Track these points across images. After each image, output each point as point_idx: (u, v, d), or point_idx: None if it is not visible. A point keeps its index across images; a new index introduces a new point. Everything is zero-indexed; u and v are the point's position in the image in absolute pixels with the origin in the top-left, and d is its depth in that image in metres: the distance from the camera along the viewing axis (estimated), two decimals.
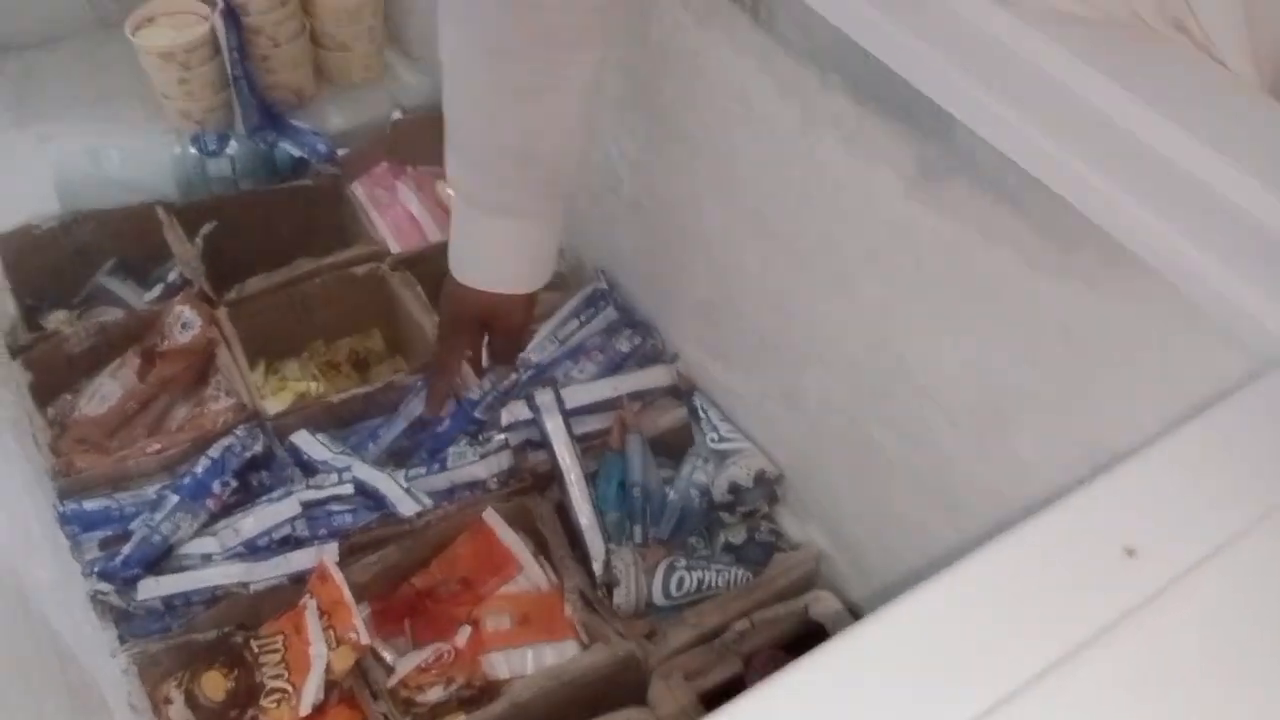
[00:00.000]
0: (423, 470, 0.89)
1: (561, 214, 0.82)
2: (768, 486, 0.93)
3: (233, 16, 1.10)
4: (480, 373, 0.95)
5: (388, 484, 0.85)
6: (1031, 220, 0.58)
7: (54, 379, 0.95)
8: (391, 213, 1.18)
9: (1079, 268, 0.57)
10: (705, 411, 0.97)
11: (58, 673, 0.68)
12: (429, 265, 1.10)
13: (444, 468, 0.89)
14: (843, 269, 0.75)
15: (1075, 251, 0.57)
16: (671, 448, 0.98)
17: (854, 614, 0.88)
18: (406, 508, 0.84)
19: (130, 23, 1.10)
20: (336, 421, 0.97)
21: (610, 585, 0.86)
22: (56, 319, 1.03)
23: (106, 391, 0.94)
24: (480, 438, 0.92)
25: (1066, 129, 0.54)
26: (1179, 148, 0.53)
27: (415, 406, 0.96)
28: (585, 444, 0.94)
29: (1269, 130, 0.53)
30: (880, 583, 0.86)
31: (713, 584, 0.89)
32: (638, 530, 0.91)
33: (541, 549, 0.90)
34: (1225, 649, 0.37)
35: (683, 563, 0.89)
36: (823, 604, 0.88)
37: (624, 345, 1.02)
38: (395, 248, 1.12)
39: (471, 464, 0.89)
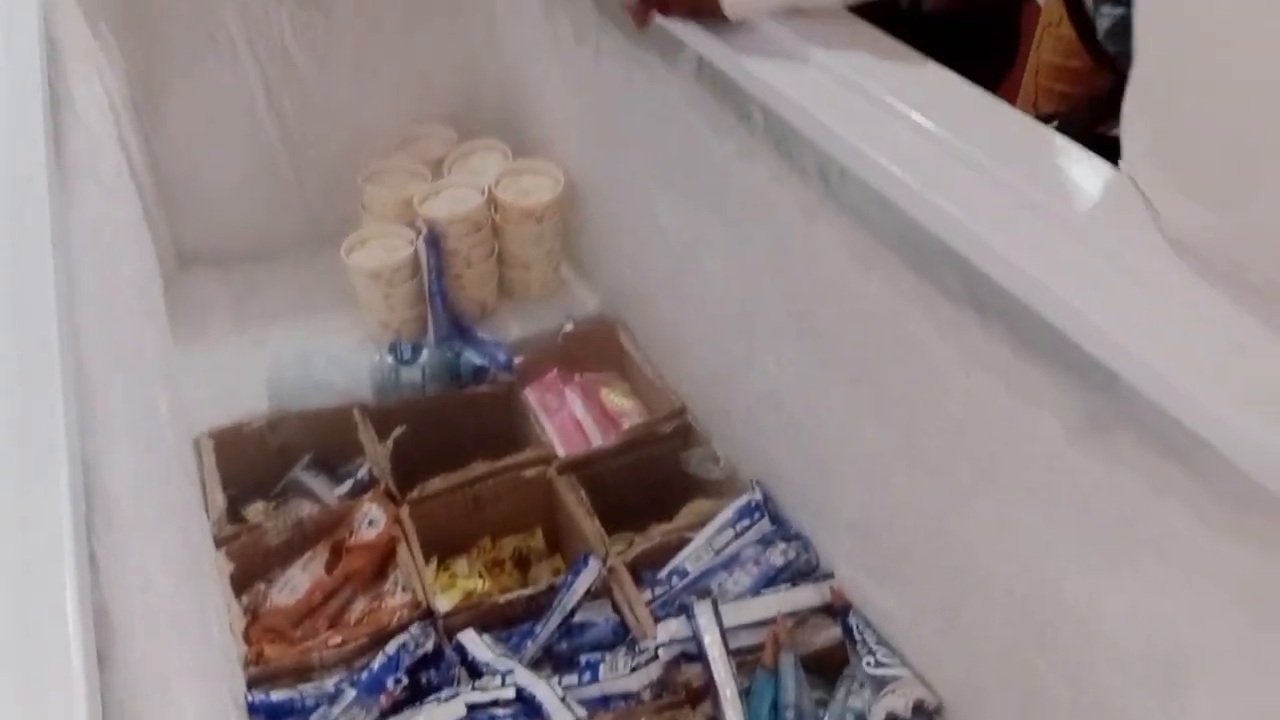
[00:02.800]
0: (575, 680, 0.91)
1: None
2: (927, 718, 0.91)
3: (434, 242, 1.23)
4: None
5: (546, 692, 0.88)
6: (1203, 478, 0.59)
7: (251, 568, 1.04)
8: (559, 417, 1.26)
9: (1254, 529, 0.57)
10: (861, 633, 0.97)
11: None
12: (592, 469, 1.17)
13: (596, 678, 0.91)
14: (1001, 503, 0.76)
15: (1250, 512, 0.57)
16: (825, 667, 0.98)
17: None
18: (561, 717, 0.86)
19: (346, 245, 1.24)
20: (501, 620, 1.01)
21: None
22: (255, 510, 1.13)
23: (297, 583, 1.01)
24: (635, 648, 0.94)
25: (1234, 390, 0.56)
26: None
27: (568, 602, 0.99)
28: (738, 659, 0.95)
29: None
30: None
31: None
32: None
33: None
34: None
35: None
36: None
37: (778, 558, 1.04)
38: (561, 451, 1.18)
39: (623, 676, 0.91)
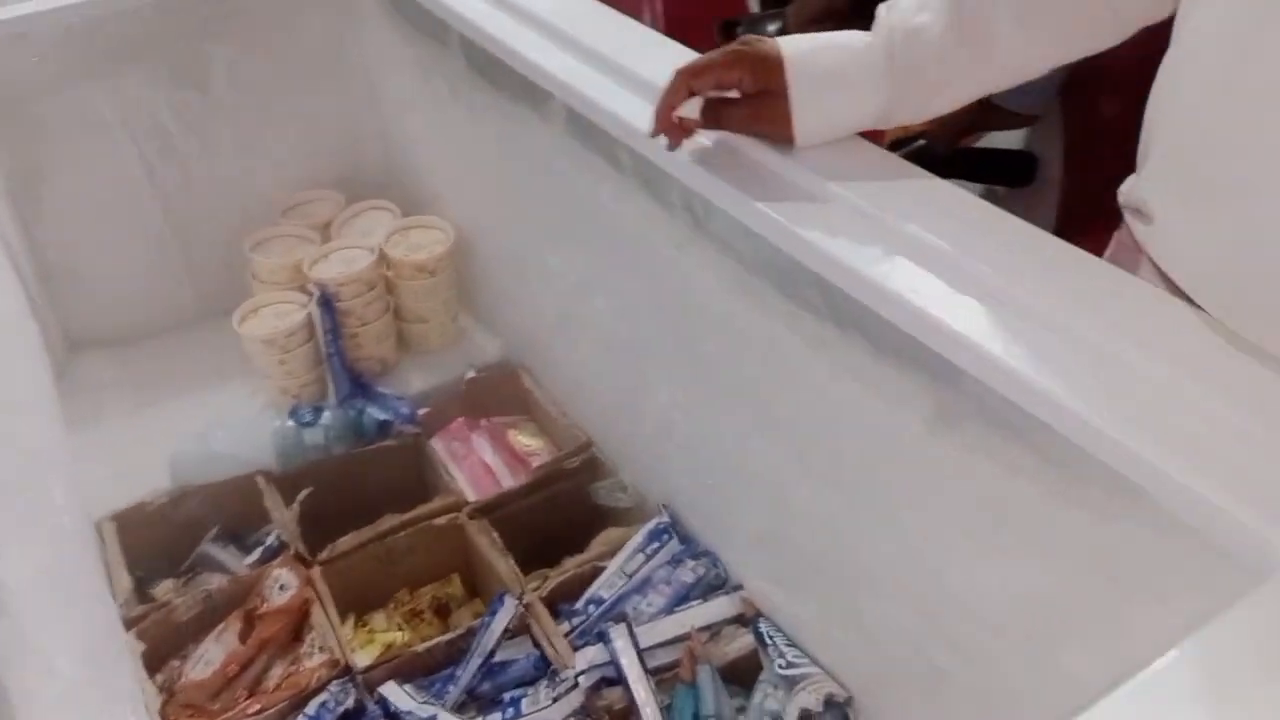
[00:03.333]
0: (499, 717, 0.93)
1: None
2: (839, 711, 0.95)
3: (327, 303, 1.25)
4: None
5: None
6: (1042, 456, 0.65)
7: (164, 647, 1.03)
8: (468, 464, 1.28)
9: (1090, 499, 0.62)
10: (771, 638, 1.01)
11: None
12: (503, 510, 1.19)
13: (519, 713, 0.93)
14: (884, 502, 0.81)
15: (1084, 484, 0.62)
16: (742, 675, 1.01)
17: None
18: None
19: (238, 314, 1.25)
20: (423, 669, 1.02)
21: None
22: (165, 588, 1.12)
23: (211, 656, 1.01)
24: (556, 679, 0.96)
25: (1061, 370, 0.62)
26: (1167, 381, 0.60)
27: (486, 643, 1.01)
28: (657, 677, 0.98)
29: (1247, 359, 0.60)
30: None
31: None
32: None
33: None
34: None
35: None
36: None
37: (688, 576, 1.07)
38: (472, 496, 1.20)
39: (546, 708, 0.93)
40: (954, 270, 0.69)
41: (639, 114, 0.89)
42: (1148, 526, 0.60)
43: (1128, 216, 0.71)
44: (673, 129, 0.82)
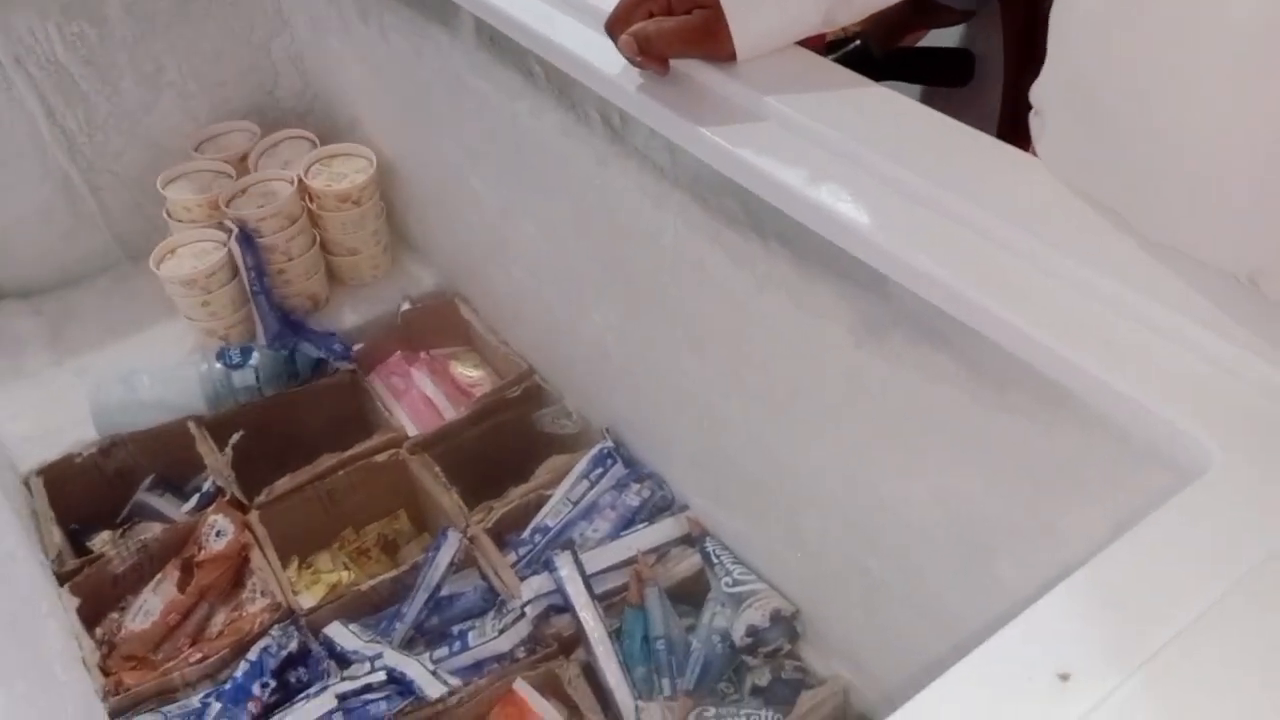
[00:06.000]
0: (446, 652, 0.93)
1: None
2: (786, 624, 0.95)
3: (248, 240, 1.20)
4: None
5: (415, 668, 0.89)
6: (967, 362, 0.63)
7: (101, 600, 1.01)
8: (408, 398, 1.25)
9: (1017, 404, 0.61)
10: (718, 556, 1.00)
11: None
12: (446, 444, 1.17)
13: (466, 646, 0.92)
14: (815, 416, 0.80)
15: (1010, 388, 0.61)
16: (692, 595, 1.01)
17: None
18: (434, 690, 0.87)
19: (154, 257, 1.20)
20: (369, 607, 1.01)
21: None
22: (102, 540, 1.09)
23: (150, 606, 0.99)
24: (503, 610, 0.96)
25: (985, 275, 0.60)
26: (1093, 284, 0.58)
27: (432, 577, 1.00)
28: (606, 602, 0.98)
29: (1169, 263, 0.58)
30: None
31: None
32: (665, 683, 0.93)
33: (575, 713, 0.92)
34: None
35: (711, 712, 0.91)
36: None
37: (634, 499, 1.07)
38: (414, 431, 1.18)
39: (493, 639, 0.92)
40: (880, 177, 0.67)
41: (546, 20, 0.85)
42: (1075, 430, 0.59)
43: (1031, 115, 0.68)
44: (643, 56, 0.76)
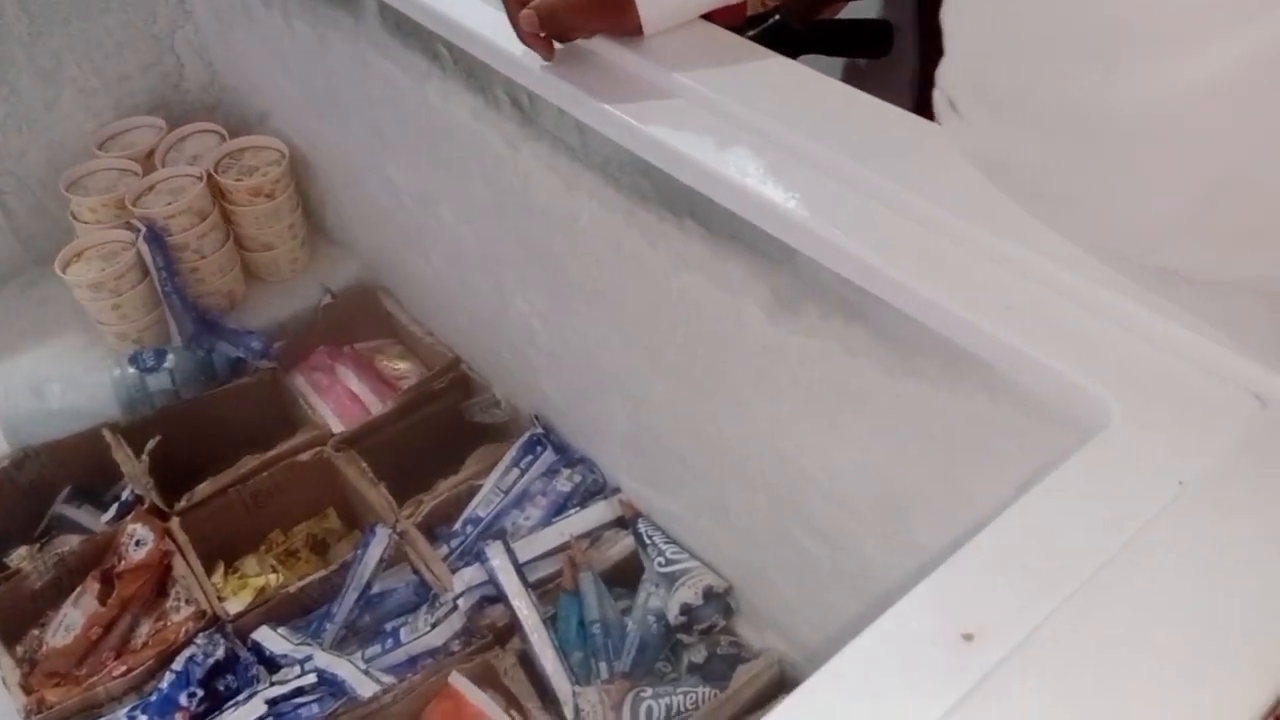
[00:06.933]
0: (379, 649, 0.91)
1: None
2: (719, 601, 0.95)
3: (157, 239, 1.17)
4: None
5: (347, 669, 0.87)
6: (878, 333, 0.64)
7: (20, 617, 0.98)
8: (333, 394, 1.23)
9: (927, 371, 0.62)
10: (650, 537, 1.00)
11: None
12: (372, 439, 1.15)
13: (399, 643, 0.91)
14: (737, 392, 0.80)
15: (920, 357, 0.61)
16: (626, 577, 1.01)
17: None
18: (367, 689, 0.86)
19: (59, 261, 1.16)
20: (300, 609, 0.99)
21: None
22: (20, 556, 1.06)
23: (71, 621, 0.96)
24: (435, 603, 0.94)
25: (892, 246, 0.60)
26: (994, 250, 0.59)
27: (362, 575, 0.99)
28: (540, 589, 0.97)
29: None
30: None
31: (681, 707, 0.90)
32: (602, 667, 0.93)
33: (513, 703, 0.92)
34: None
35: (649, 692, 0.91)
36: None
37: (565, 485, 1.06)
38: (339, 427, 1.16)
39: (425, 634, 0.91)
40: (788, 151, 0.66)
41: (449, 1, 0.83)
42: (983, 393, 0.59)
43: (935, 92, 0.68)
44: (537, 42, 0.74)
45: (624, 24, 0.75)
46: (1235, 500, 0.46)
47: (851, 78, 0.74)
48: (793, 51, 0.76)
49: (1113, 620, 0.42)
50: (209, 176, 1.22)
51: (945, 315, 0.57)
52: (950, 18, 0.63)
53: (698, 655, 0.95)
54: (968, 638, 0.42)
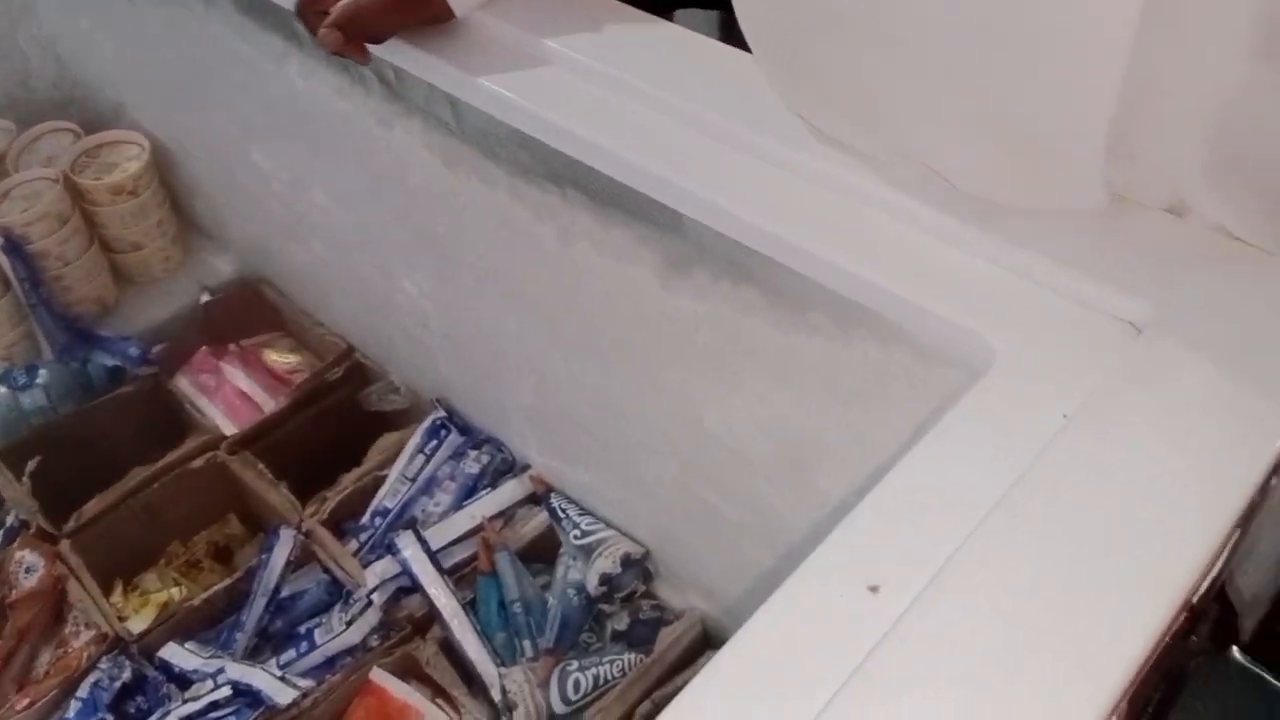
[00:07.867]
0: (294, 654, 0.89)
1: None
2: (638, 567, 0.96)
3: (15, 249, 1.10)
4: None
5: (262, 678, 0.85)
6: (767, 291, 0.64)
7: None
8: (221, 395, 1.18)
9: (818, 324, 0.62)
10: (564, 511, 1.00)
11: None
12: (267, 438, 1.11)
13: (314, 645, 0.89)
14: (637, 360, 0.79)
15: (810, 311, 0.62)
16: (543, 553, 1.00)
17: None
18: (285, 696, 0.84)
19: None
20: (207, 621, 0.96)
21: (510, 709, 0.87)
22: None
23: None
24: (349, 601, 0.92)
25: (774, 204, 0.60)
26: (872, 196, 0.59)
27: (269, 580, 0.96)
28: (457, 574, 0.96)
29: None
30: None
31: (608, 676, 0.90)
32: (526, 645, 0.93)
33: (439, 692, 0.91)
34: (969, 663, 0.41)
35: (574, 664, 0.91)
36: None
37: (473, 467, 1.04)
38: (231, 429, 1.12)
39: (341, 633, 0.89)
40: (666, 112, 0.66)
41: None
42: (873, 342, 0.60)
43: None
44: (347, 49, 0.71)
45: (431, 11, 0.72)
46: (1119, 427, 0.48)
47: (729, 31, 0.73)
48: (669, 7, 0.75)
49: (1010, 559, 0.43)
50: (65, 178, 1.15)
51: (831, 269, 0.58)
52: None
53: (621, 623, 0.95)
54: (874, 589, 0.43)
